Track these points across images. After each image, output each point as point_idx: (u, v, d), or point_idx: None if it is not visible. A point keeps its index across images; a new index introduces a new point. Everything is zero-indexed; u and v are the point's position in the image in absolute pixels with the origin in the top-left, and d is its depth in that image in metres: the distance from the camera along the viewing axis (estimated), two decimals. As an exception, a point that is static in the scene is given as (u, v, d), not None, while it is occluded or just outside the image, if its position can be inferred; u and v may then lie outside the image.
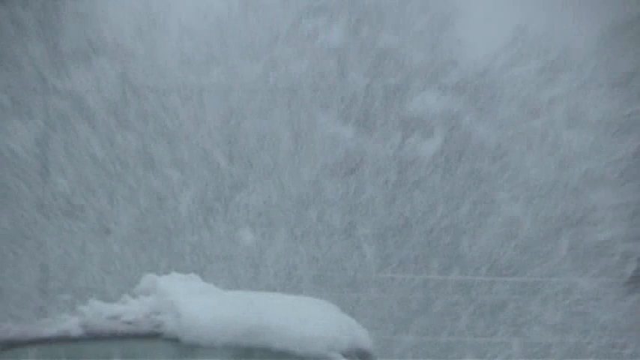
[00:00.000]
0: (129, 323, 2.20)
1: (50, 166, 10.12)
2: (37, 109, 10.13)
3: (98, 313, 2.29)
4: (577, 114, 10.19)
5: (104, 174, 10.06)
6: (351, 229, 10.01)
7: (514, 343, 9.67)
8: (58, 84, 10.16)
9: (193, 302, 2.20)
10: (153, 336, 2.15)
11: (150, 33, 10.35)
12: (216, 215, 9.99)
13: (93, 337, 2.20)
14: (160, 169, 9.99)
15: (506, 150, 10.35)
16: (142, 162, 10.05)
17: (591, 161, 9.97)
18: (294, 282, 9.77)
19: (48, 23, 10.32)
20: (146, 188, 9.96)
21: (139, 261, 9.72)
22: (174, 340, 2.12)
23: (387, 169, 10.04)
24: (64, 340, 2.21)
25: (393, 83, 10.25)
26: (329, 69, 10.28)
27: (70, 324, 2.24)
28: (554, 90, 10.28)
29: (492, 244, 10.03)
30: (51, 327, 2.28)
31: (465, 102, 10.23)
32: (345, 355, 2.15)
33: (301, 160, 10.04)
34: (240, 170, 10.10)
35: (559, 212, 9.95)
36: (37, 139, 10.00)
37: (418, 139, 10.04)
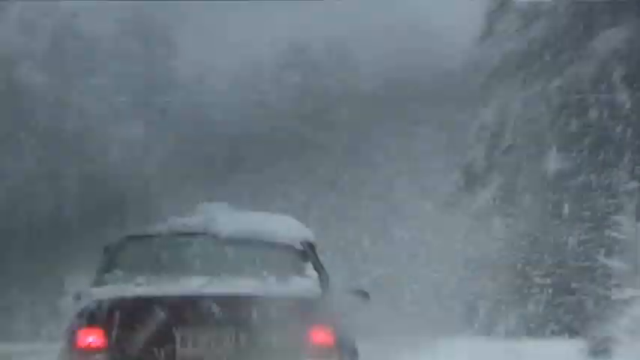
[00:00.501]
0: (192, 226, 4.30)
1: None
2: None
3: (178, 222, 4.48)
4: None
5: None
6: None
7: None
8: None
9: (223, 216, 4.38)
10: (203, 233, 4.14)
11: None
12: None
13: (176, 233, 4.26)
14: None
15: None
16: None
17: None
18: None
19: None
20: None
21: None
22: (214, 236, 4.09)
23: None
24: (158, 235, 4.32)
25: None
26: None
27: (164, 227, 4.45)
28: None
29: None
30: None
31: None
32: (300, 243, 4.20)
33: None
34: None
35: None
36: None
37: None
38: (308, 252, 4.24)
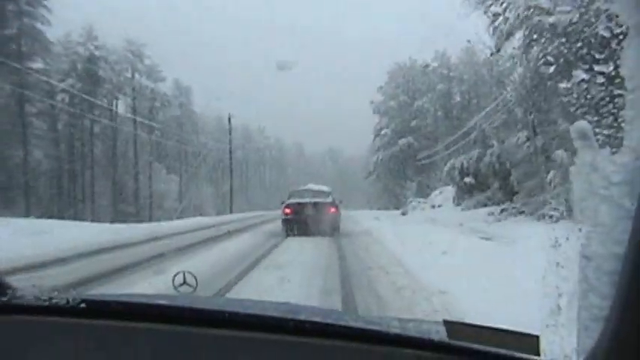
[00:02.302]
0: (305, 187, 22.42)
1: None
2: None
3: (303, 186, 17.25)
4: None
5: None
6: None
7: None
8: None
9: (313, 185, 16.23)
10: (309, 189, 22.41)
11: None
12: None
13: (300, 189, 22.93)
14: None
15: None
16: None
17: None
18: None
19: None
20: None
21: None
22: (311, 189, 21.44)
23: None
24: (297, 190, 23.49)
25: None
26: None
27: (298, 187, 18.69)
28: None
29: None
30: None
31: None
32: (328, 190, 23.01)
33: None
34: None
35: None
36: None
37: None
38: (330, 192, 22.15)
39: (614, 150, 1.09)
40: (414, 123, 57.10)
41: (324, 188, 22.70)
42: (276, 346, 1.41)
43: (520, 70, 21.62)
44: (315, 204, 19.93)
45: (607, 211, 1.04)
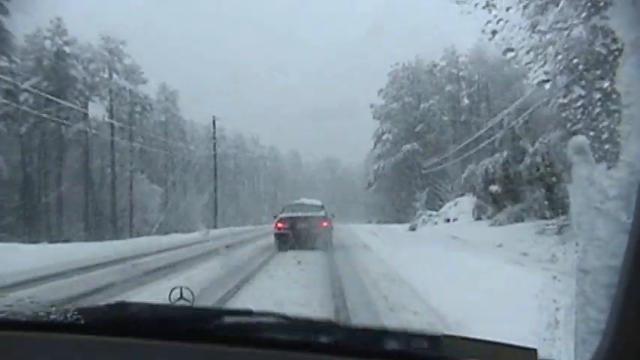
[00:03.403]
0: (296, 202, 23.68)
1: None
2: None
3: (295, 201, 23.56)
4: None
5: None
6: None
7: None
8: None
9: (305, 200, 23.94)
10: (301, 204, 23.02)
11: None
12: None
13: (293, 204, 23.05)
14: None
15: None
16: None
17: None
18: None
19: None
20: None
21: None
22: (303, 204, 23.08)
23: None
24: (289, 205, 23.72)
25: None
26: None
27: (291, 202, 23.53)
28: None
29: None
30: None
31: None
32: (321, 204, 23.40)
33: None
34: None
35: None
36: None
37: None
38: (322, 206, 22.66)
39: (610, 165, 1.06)
40: (419, 127, 52.20)
41: (317, 202, 23.22)
42: None
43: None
44: (307, 218, 20.32)
45: (603, 225, 1.06)
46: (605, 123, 16.76)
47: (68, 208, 43.79)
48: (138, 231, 44.47)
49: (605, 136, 16.11)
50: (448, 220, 31.80)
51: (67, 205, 43.69)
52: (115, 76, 49.71)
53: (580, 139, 1.22)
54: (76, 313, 1.50)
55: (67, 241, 31.56)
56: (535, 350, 1.23)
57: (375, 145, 57.81)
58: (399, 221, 44.92)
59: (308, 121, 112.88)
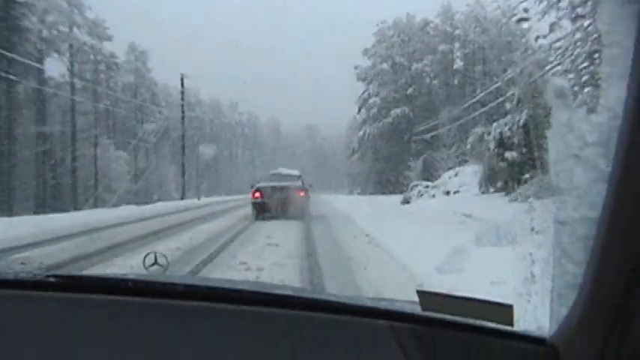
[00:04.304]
0: (274, 172, 25.09)
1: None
2: None
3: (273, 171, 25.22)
4: None
5: None
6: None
7: None
8: None
9: (282, 169, 25.44)
10: (278, 173, 24.51)
11: None
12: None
13: (271, 174, 24.28)
14: None
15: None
16: None
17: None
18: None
19: None
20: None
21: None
22: (279, 173, 24.19)
23: None
24: (267, 175, 25.43)
25: None
26: None
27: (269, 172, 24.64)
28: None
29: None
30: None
31: None
32: (298, 174, 25.81)
33: None
34: None
35: None
36: None
37: None
38: (300, 176, 22.19)
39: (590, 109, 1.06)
40: (410, 90, 48.08)
41: (294, 172, 23.28)
42: (249, 317, 1.35)
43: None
44: (284, 188, 20.56)
45: (582, 173, 1.03)
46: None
47: (19, 177, 39.22)
48: (109, 201, 40.05)
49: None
50: (448, 193, 27.90)
51: (19, 174, 39.11)
52: (75, 30, 44.91)
53: (559, 81, 1.10)
54: (52, 274, 1.49)
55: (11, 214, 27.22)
56: (511, 306, 1.22)
57: (360, 109, 53.68)
58: (388, 192, 41.31)
59: (288, 87, 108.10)
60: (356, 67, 53.00)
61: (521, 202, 18.22)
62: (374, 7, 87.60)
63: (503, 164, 20.81)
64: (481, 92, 35.76)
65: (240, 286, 1.57)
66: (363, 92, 52.62)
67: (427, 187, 31.07)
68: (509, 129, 20.60)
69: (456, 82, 49.12)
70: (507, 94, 24.23)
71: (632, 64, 0.94)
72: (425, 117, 44.80)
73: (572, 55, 19.21)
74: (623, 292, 0.92)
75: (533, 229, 11.58)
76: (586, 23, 18.22)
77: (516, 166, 20.00)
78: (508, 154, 20.37)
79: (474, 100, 33.14)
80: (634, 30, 0.94)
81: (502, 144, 20.79)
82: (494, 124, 22.13)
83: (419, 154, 42.02)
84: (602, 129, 1.00)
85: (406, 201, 29.72)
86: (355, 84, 53.29)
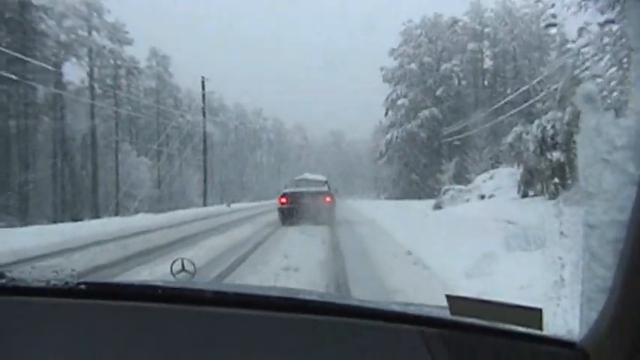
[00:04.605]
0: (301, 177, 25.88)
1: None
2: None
3: (300, 177, 26.92)
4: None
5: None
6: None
7: None
8: None
9: (309, 175, 29.88)
10: (305, 179, 24.08)
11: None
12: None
13: (297, 179, 24.29)
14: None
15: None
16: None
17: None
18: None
19: None
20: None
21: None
22: (306, 179, 24.04)
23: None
24: (295, 180, 25.41)
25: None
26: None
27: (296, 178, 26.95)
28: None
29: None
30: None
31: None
32: (325, 180, 24.20)
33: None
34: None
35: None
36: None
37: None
38: (326, 181, 22.14)
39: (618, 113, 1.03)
40: (439, 91, 46.33)
41: (320, 177, 23.01)
42: (278, 323, 1.35)
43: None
44: (311, 193, 20.53)
45: (611, 176, 1.02)
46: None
47: (38, 185, 38.21)
48: (125, 209, 38.91)
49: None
50: (483, 197, 26.21)
51: (37, 181, 38.10)
52: (94, 33, 44.04)
53: (588, 86, 1.09)
54: (76, 281, 1.46)
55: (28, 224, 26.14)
56: (540, 310, 1.20)
57: (387, 112, 52.01)
58: (416, 197, 39.62)
59: (313, 93, 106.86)
60: (382, 69, 51.49)
61: (569, 206, 16.51)
62: (399, 8, 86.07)
63: (545, 165, 19.05)
64: (513, 92, 34.04)
65: (268, 292, 1.56)
66: (390, 94, 51.00)
67: (460, 191, 29.36)
68: (552, 127, 18.84)
69: (485, 82, 47.35)
70: (544, 92, 22.49)
71: None
72: (454, 118, 43.13)
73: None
74: None
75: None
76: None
77: (560, 168, 18.24)
78: (552, 154, 18.61)
79: (507, 99, 31.38)
80: None
81: (544, 143, 19.02)
82: (536, 121, 20.33)
83: (450, 157, 40.30)
84: (630, 132, 1.00)
85: (438, 206, 28.06)
86: (381, 86, 51.81)
